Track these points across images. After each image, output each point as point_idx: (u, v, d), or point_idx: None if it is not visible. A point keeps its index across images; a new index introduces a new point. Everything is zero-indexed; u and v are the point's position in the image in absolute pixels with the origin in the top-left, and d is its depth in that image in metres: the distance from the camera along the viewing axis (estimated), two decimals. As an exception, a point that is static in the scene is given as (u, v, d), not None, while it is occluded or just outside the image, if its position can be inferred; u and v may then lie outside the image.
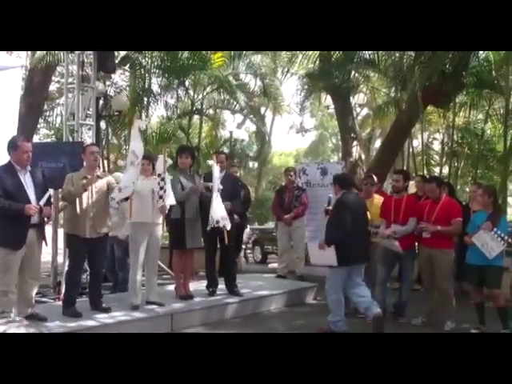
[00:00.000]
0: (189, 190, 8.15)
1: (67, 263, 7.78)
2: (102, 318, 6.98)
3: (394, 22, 3.39)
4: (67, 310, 7.02)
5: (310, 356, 3.44)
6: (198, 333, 7.21)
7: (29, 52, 19.37)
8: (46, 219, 6.65)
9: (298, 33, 3.52)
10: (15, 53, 16.61)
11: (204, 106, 17.95)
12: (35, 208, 6.35)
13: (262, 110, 26.58)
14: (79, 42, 3.66)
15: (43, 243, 6.77)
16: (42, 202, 6.45)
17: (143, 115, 15.81)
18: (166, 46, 4.50)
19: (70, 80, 10.71)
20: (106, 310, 7.26)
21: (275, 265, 12.79)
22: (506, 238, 7.29)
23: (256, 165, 29.08)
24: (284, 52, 18.09)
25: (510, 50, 9.00)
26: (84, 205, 7.08)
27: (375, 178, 9.40)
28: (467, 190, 15.56)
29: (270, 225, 20.86)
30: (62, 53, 10.57)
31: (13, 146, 6.45)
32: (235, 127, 22.31)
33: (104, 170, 12.01)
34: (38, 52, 13.91)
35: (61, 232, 9.43)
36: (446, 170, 16.32)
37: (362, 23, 3.43)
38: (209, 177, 8.36)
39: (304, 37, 3.56)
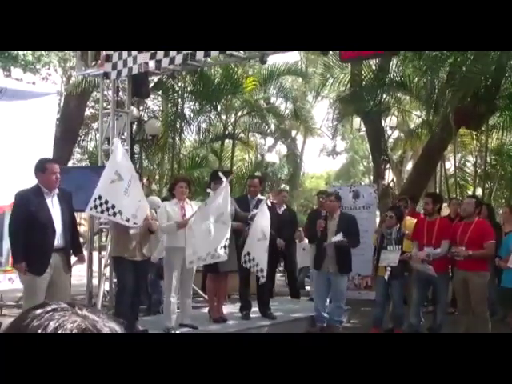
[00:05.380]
0: None
1: (113, 286, 7.87)
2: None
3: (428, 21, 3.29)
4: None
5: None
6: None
7: (64, 78, 19.83)
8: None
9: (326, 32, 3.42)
10: (50, 79, 16.98)
11: (236, 130, 18.08)
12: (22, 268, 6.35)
13: (293, 133, 26.66)
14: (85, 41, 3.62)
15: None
16: None
17: (177, 139, 16.03)
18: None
19: (105, 105, 10.93)
20: (144, 332, 7.31)
21: (308, 288, 12.75)
22: None
23: (287, 188, 29.15)
24: (314, 75, 18.20)
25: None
26: (132, 230, 7.23)
27: (409, 200, 9.40)
28: (500, 211, 15.42)
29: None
30: (97, 79, 10.79)
31: (41, 168, 6.41)
32: (266, 150, 22.41)
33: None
34: (74, 78, 14.18)
35: (95, 255, 9.55)
36: (478, 192, 16.19)
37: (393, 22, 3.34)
38: (241, 202, 8.44)
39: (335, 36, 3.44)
